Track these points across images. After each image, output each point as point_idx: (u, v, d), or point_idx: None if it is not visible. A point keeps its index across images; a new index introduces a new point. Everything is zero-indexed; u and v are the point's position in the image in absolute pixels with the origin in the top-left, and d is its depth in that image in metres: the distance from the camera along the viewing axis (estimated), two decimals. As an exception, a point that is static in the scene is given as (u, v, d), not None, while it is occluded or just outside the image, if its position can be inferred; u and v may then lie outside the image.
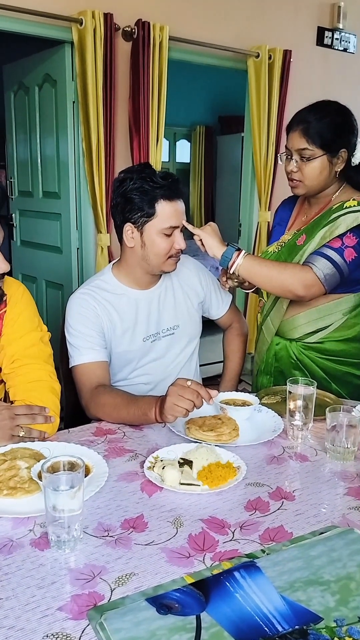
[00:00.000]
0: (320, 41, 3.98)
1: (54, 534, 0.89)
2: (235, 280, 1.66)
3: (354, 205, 1.50)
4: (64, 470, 0.93)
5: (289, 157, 1.56)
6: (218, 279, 1.77)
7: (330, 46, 4.05)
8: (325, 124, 1.50)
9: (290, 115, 1.61)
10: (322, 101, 1.57)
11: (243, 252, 1.50)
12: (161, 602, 0.77)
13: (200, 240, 1.53)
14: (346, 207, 1.51)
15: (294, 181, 1.58)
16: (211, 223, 1.57)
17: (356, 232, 1.49)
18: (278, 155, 1.65)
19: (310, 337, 1.63)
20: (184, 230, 1.54)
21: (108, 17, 2.86)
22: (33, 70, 3.32)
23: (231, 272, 1.53)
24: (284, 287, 1.51)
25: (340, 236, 1.50)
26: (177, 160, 6.90)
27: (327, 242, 1.51)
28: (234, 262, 1.50)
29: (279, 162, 1.61)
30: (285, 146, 1.58)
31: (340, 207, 1.53)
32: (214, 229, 1.55)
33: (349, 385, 1.65)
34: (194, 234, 1.55)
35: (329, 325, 1.61)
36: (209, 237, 1.52)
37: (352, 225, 1.48)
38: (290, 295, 1.54)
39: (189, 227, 1.54)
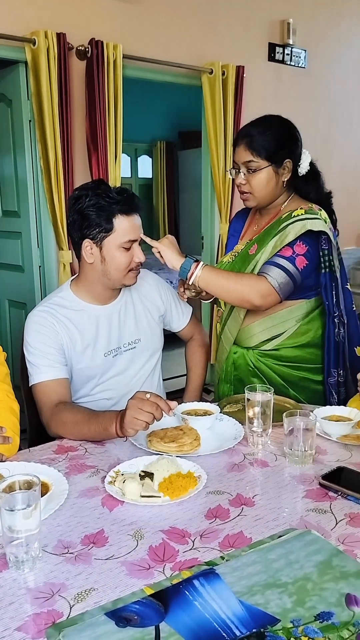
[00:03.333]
0: (272, 57, 4.09)
1: (11, 555, 0.88)
2: (193, 290, 1.68)
3: (302, 214, 1.55)
4: (20, 489, 0.92)
5: (237, 170, 1.61)
6: (177, 291, 1.79)
7: (282, 61, 4.16)
8: (268, 136, 1.56)
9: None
10: (265, 115, 1.63)
11: (201, 263, 1.53)
12: (120, 615, 0.77)
13: (159, 252, 1.55)
14: (294, 216, 1.56)
15: (245, 194, 1.62)
16: (168, 235, 1.59)
17: (305, 240, 1.54)
18: (227, 170, 1.69)
19: (266, 344, 1.67)
20: (143, 243, 1.56)
21: (61, 37, 2.88)
22: (-12, 90, 3.31)
23: (190, 283, 1.55)
24: (241, 297, 1.54)
25: (291, 244, 1.54)
26: (139, 176, 6.94)
27: (279, 252, 1.55)
28: (192, 274, 1.52)
29: (228, 176, 1.66)
30: (233, 160, 1.63)
31: (288, 216, 1.58)
32: (171, 241, 1.56)
33: (306, 390, 1.68)
34: (153, 247, 1.56)
35: (283, 333, 1.65)
36: (166, 250, 1.54)
37: (300, 233, 1.53)
38: (247, 305, 1.56)
39: (147, 240, 1.55)
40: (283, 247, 1.54)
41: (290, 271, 1.52)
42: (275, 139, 1.56)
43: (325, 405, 1.51)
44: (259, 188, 1.59)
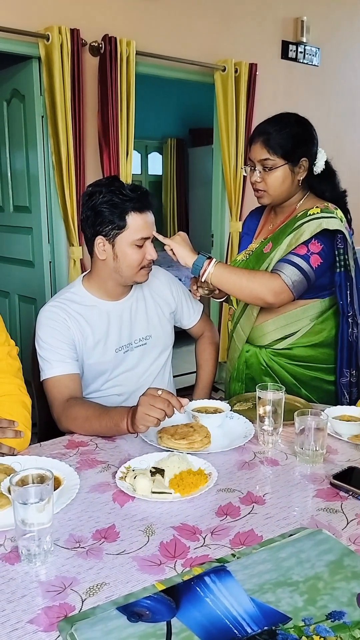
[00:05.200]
0: (285, 54, 4.07)
1: (24, 548, 0.88)
2: (206, 288, 1.68)
3: (317, 213, 1.54)
4: (33, 483, 0.93)
5: (253, 168, 1.60)
6: (189, 289, 1.79)
7: (295, 59, 4.14)
8: (284, 134, 1.55)
9: (256, 127, 1.65)
10: (282, 113, 1.62)
11: (214, 260, 1.52)
12: (132, 610, 0.77)
13: (172, 250, 1.55)
14: (310, 215, 1.55)
15: (259, 191, 1.62)
16: (180, 232, 1.59)
17: (320, 239, 1.53)
18: (241, 167, 1.69)
19: (279, 343, 1.66)
20: (155, 240, 1.56)
21: (75, 33, 2.88)
22: (1, 85, 3.32)
23: (202, 280, 1.54)
24: (253, 294, 1.53)
25: (306, 243, 1.53)
26: (149, 173, 6.93)
27: (293, 250, 1.54)
28: (205, 271, 1.52)
29: (243, 173, 1.65)
30: (249, 158, 1.62)
31: (304, 214, 1.57)
32: (183, 238, 1.56)
33: (318, 390, 1.68)
34: (165, 244, 1.56)
35: (296, 332, 1.64)
36: (179, 247, 1.54)
37: (316, 232, 1.52)
38: (260, 302, 1.56)
39: (160, 237, 1.55)
40: (298, 245, 1.54)
41: (304, 269, 1.51)
42: (292, 137, 1.55)
43: (336, 406, 1.51)
44: (275, 186, 1.58)
